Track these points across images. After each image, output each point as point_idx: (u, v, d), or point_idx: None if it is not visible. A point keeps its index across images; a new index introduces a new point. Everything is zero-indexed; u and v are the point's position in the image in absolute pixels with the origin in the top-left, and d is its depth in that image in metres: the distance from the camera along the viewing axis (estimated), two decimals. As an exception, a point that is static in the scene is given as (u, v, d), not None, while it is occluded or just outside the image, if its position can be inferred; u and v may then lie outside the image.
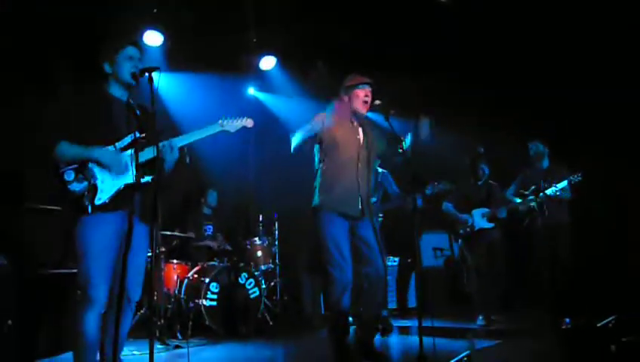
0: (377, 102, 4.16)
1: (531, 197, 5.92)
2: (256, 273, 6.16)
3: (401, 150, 4.12)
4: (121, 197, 3.11)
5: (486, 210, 6.11)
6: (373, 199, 5.24)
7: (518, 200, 6.08)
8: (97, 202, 3.05)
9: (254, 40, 7.23)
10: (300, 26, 6.72)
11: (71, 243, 3.11)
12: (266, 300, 6.21)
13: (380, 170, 5.67)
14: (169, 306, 5.83)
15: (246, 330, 5.76)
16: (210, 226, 6.91)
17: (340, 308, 3.90)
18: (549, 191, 5.77)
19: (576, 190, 5.85)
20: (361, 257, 4.08)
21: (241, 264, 6.18)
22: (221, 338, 5.52)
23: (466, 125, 7.14)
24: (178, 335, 5.55)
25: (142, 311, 5.41)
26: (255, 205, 7.78)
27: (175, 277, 5.99)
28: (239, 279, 5.94)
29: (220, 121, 3.53)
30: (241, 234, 7.07)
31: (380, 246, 4.07)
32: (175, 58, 6.85)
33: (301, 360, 5.00)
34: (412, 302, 7.39)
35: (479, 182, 6.27)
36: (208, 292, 5.69)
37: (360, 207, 4.05)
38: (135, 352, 4.75)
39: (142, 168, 3.11)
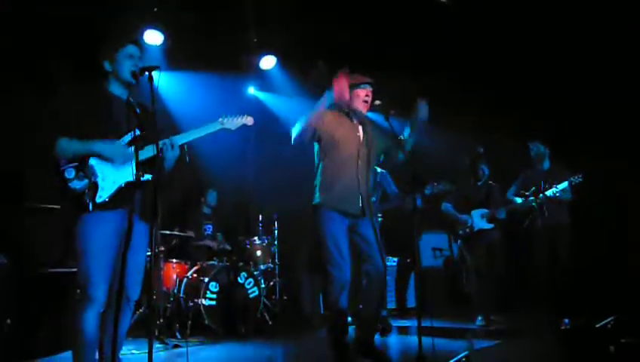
0: (377, 102, 4.17)
1: (531, 198, 5.92)
2: (255, 272, 6.16)
3: (401, 149, 4.13)
4: (121, 196, 3.11)
5: (485, 210, 6.11)
6: (373, 198, 5.24)
7: (519, 201, 6.08)
8: (98, 200, 3.05)
9: (254, 39, 7.23)
10: (300, 26, 6.72)
11: (71, 241, 3.10)
12: (265, 300, 6.21)
13: (378, 169, 5.67)
14: (168, 305, 5.83)
15: (245, 330, 5.76)
16: (210, 226, 6.92)
17: (338, 308, 3.90)
18: (549, 193, 5.77)
19: (576, 190, 5.85)
20: (361, 255, 4.08)
21: (241, 263, 6.18)
22: (220, 338, 5.52)
23: (466, 125, 7.14)
24: (177, 334, 5.54)
25: (141, 310, 5.41)
26: (255, 205, 7.79)
27: (174, 276, 6.00)
28: (238, 278, 5.94)
29: (221, 119, 3.53)
30: (240, 234, 7.08)
31: (380, 244, 4.07)
32: (175, 57, 6.86)
33: (300, 360, 4.99)
34: (411, 302, 7.39)
35: (479, 183, 6.28)
36: (207, 292, 5.69)
37: (360, 205, 4.05)
38: (134, 351, 4.75)
39: (142, 166, 3.10)
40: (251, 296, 5.96)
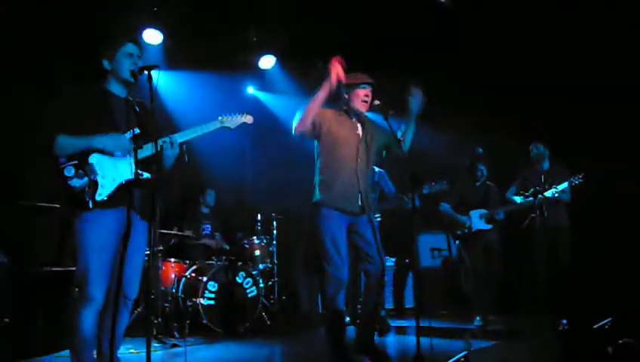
0: (376, 102, 4.17)
1: (530, 198, 5.92)
2: (254, 272, 6.16)
3: (400, 146, 4.13)
4: (121, 194, 3.11)
5: (484, 211, 6.12)
6: (374, 196, 5.24)
7: (518, 201, 6.07)
8: (98, 198, 3.05)
9: (254, 39, 7.23)
10: (300, 26, 6.72)
11: (70, 239, 3.11)
12: (263, 299, 6.21)
13: (376, 169, 5.67)
14: (166, 305, 5.83)
15: (243, 329, 5.77)
16: (208, 225, 6.92)
17: (335, 306, 3.89)
18: (548, 193, 5.77)
19: (576, 191, 5.85)
20: (361, 254, 4.08)
21: (239, 263, 6.18)
22: (219, 337, 5.52)
23: (466, 125, 7.14)
24: (175, 333, 5.54)
25: (139, 309, 5.41)
26: (253, 204, 7.79)
27: (173, 275, 5.99)
28: (237, 278, 5.95)
29: (220, 118, 3.54)
30: (239, 234, 7.07)
31: (379, 244, 4.07)
32: (174, 57, 6.86)
33: (299, 359, 4.99)
34: (409, 302, 7.39)
35: (477, 183, 6.28)
36: (206, 291, 5.69)
37: (359, 203, 4.05)
38: (132, 350, 4.74)
39: (141, 165, 3.11)
40: (250, 295, 5.96)
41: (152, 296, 5.40)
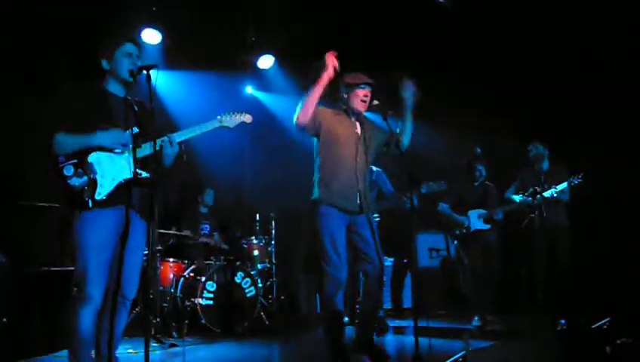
0: (375, 102, 4.18)
1: (529, 198, 5.92)
2: (252, 272, 6.16)
3: (400, 142, 4.14)
4: (120, 193, 3.11)
5: (482, 211, 6.12)
6: (372, 195, 5.24)
7: (517, 200, 6.05)
8: (97, 197, 3.04)
9: (252, 39, 7.23)
10: (299, 26, 6.72)
11: (69, 238, 3.10)
12: (262, 299, 6.20)
13: (374, 168, 5.67)
14: (165, 305, 5.82)
15: (242, 329, 5.76)
16: (207, 225, 6.92)
17: (334, 306, 3.89)
18: (547, 193, 5.76)
19: (575, 191, 5.85)
20: (359, 254, 4.08)
21: (238, 263, 6.18)
22: (217, 337, 5.52)
23: (466, 125, 7.14)
24: (174, 333, 5.54)
25: (137, 309, 5.41)
26: (252, 204, 7.79)
27: (171, 275, 5.99)
28: (235, 278, 5.94)
29: (219, 117, 3.54)
30: (237, 233, 7.07)
31: (378, 243, 4.07)
32: (173, 56, 6.85)
33: (297, 360, 4.99)
34: (407, 303, 7.39)
35: (475, 183, 6.28)
36: (204, 291, 5.69)
37: (358, 202, 4.05)
38: (130, 350, 4.74)
39: (140, 164, 3.11)
40: (248, 295, 5.96)
41: (151, 296, 5.40)
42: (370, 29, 6.73)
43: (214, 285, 5.78)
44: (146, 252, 3.47)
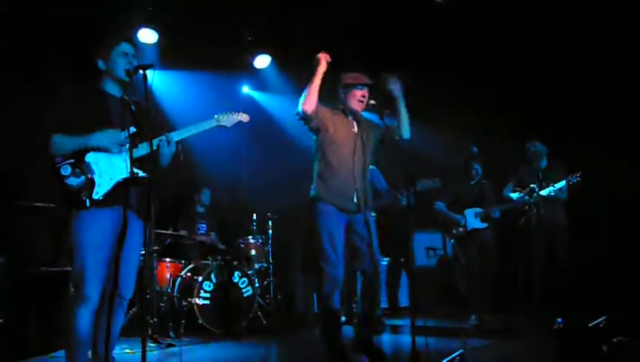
0: (372, 101, 4.19)
1: (526, 197, 5.92)
2: (249, 272, 6.15)
3: (397, 133, 4.15)
4: (117, 193, 3.11)
5: (479, 209, 6.12)
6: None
7: (515, 197, 6.05)
8: (95, 196, 3.04)
9: (249, 38, 7.22)
10: (296, 25, 6.72)
11: (67, 238, 3.10)
12: (259, 299, 6.20)
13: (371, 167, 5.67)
14: (162, 304, 5.82)
15: (239, 329, 5.76)
16: (204, 224, 6.92)
17: (331, 305, 3.90)
18: (544, 192, 5.77)
19: (575, 190, 5.85)
20: (357, 253, 4.09)
21: (235, 262, 6.17)
22: (214, 337, 5.51)
23: (466, 125, 7.15)
24: (171, 333, 5.54)
25: (134, 309, 5.40)
26: (249, 204, 7.78)
27: (168, 275, 5.98)
28: (232, 278, 5.94)
29: (216, 116, 3.54)
30: (234, 233, 7.06)
31: (375, 242, 4.08)
32: (169, 56, 6.84)
33: (294, 359, 5.00)
34: (403, 301, 7.39)
35: (472, 182, 6.28)
36: (201, 291, 5.69)
37: (355, 201, 4.06)
38: (127, 350, 4.74)
39: (137, 164, 3.11)
40: (245, 295, 5.95)
41: (148, 296, 5.40)
42: (370, 28, 6.73)
43: (211, 285, 5.77)
44: (143, 252, 3.46)
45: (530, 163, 6.15)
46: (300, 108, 3.99)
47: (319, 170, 4.11)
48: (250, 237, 6.67)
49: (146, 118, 3.17)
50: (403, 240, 6.63)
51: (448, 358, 3.31)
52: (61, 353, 3.16)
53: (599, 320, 3.95)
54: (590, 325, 3.94)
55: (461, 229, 6.14)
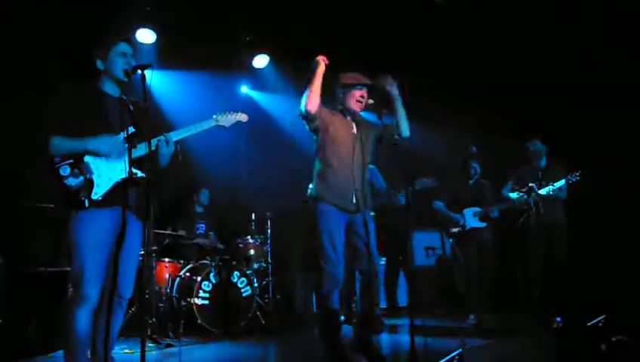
0: (370, 101, 4.19)
1: (525, 196, 5.92)
2: (248, 271, 6.15)
3: (396, 131, 4.16)
4: (116, 193, 3.11)
5: (478, 209, 6.11)
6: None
7: (514, 197, 6.05)
8: (94, 197, 3.04)
9: (247, 38, 7.22)
10: (294, 25, 6.71)
11: (65, 238, 3.10)
12: (258, 299, 6.19)
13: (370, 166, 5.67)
14: (161, 305, 5.81)
15: (238, 329, 5.76)
16: (203, 224, 6.91)
17: (330, 305, 3.90)
18: (543, 191, 5.77)
19: (575, 190, 5.84)
20: (357, 253, 4.09)
21: (234, 262, 6.17)
22: (213, 337, 5.51)
23: (466, 125, 7.15)
24: (170, 333, 5.53)
25: (133, 309, 5.40)
26: (247, 203, 7.78)
27: (167, 275, 5.98)
28: (231, 278, 5.93)
29: (215, 116, 3.54)
30: (233, 233, 7.06)
31: (374, 241, 4.08)
32: (168, 56, 6.84)
33: (293, 359, 5.00)
34: (401, 301, 7.39)
35: (470, 181, 6.28)
36: (200, 291, 5.68)
37: (354, 201, 4.06)
38: (126, 350, 4.73)
39: (136, 164, 3.11)
40: (244, 295, 5.95)
41: (147, 296, 5.39)
42: (369, 28, 6.72)
43: (210, 285, 5.77)
44: (141, 252, 3.46)
45: (529, 162, 6.14)
46: (302, 108, 4.00)
47: (319, 170, 4.12)
48: (249, 237, 6.67)
49: (145, 118, 3.17)
50: (402, 240, 6.64)
51: (447, 358, 3.31)
52: (60, 353, 3.15)
53: (598, 319, 3.95)
54: (589, 324, 3.95)
55: (460, 228, 6.14)
